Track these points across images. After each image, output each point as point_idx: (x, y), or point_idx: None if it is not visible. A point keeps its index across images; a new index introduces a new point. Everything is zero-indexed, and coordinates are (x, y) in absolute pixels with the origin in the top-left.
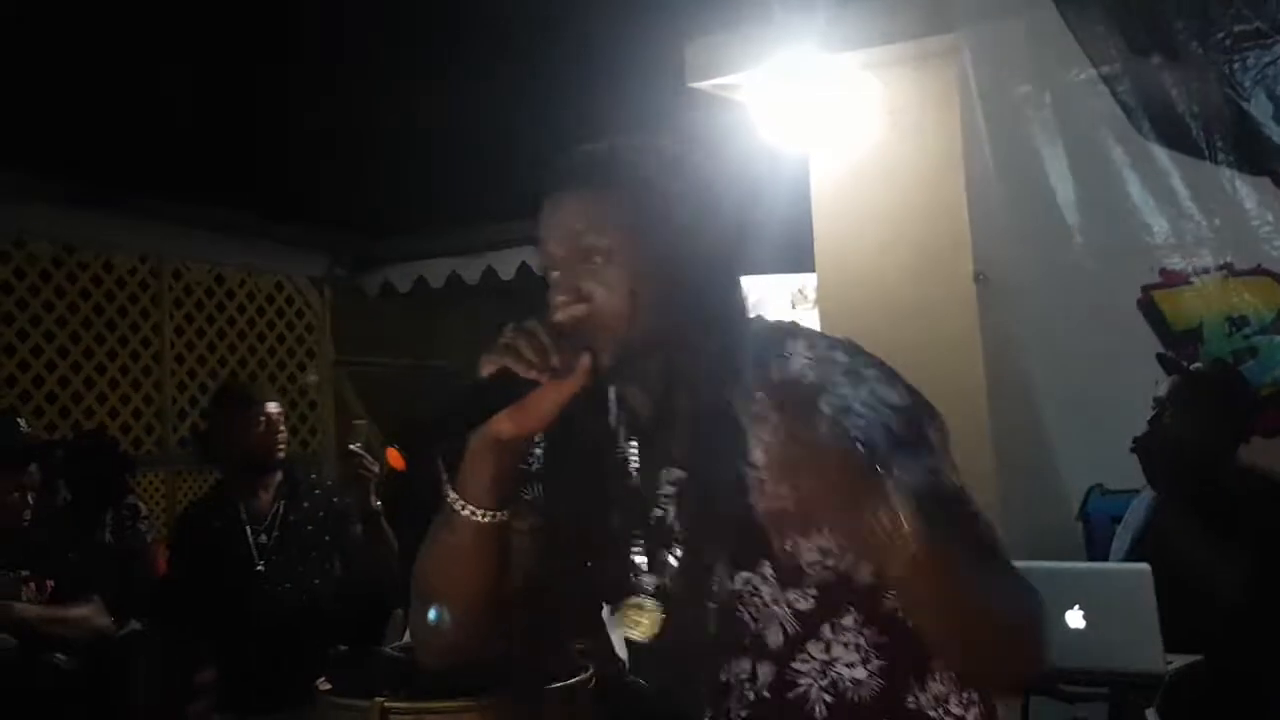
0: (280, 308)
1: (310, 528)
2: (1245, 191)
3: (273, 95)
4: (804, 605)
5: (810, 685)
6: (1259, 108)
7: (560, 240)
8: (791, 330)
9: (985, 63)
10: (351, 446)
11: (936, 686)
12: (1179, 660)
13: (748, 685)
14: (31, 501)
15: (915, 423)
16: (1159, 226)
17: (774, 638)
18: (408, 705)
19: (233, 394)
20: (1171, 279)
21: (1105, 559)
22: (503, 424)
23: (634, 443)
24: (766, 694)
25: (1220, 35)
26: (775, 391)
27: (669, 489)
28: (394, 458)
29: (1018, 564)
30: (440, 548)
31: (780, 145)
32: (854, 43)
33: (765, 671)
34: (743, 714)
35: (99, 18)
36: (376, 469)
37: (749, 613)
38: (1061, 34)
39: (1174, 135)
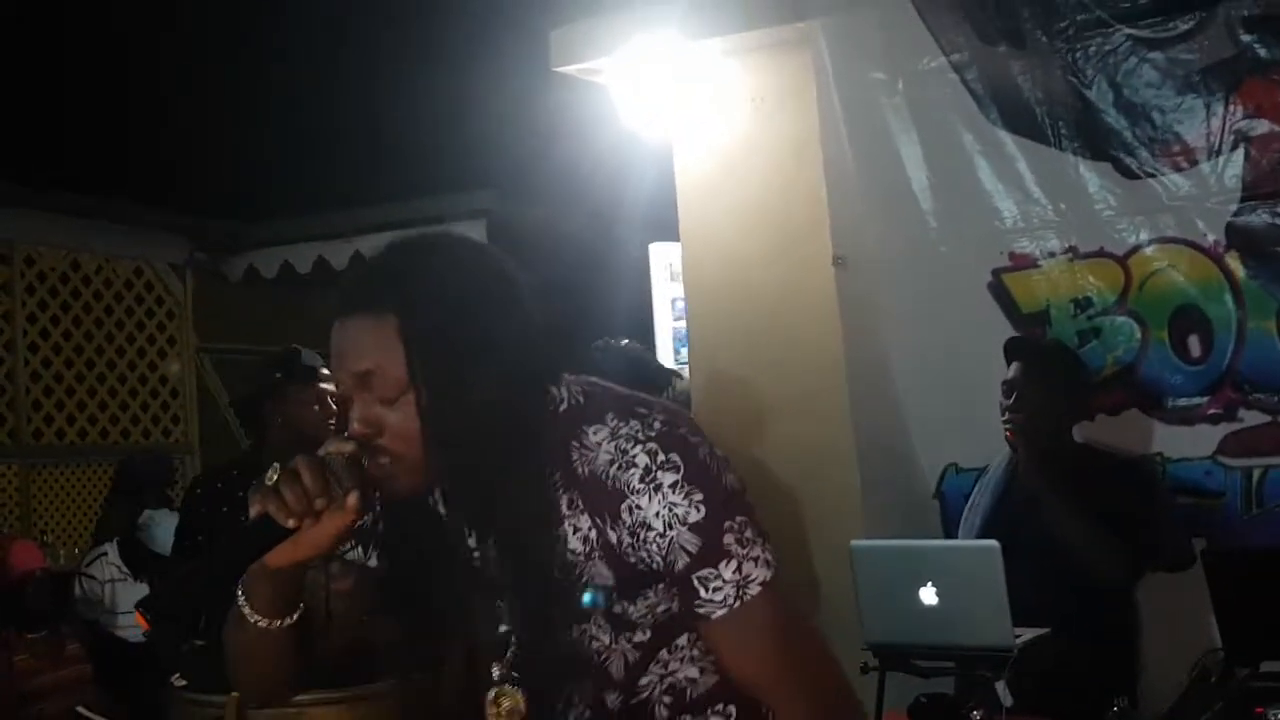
0: (139, 294)
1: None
2: (1088, 176)
3: (136, 79)
4: (641, 638)
5: (652, 691)
6: (1100, 95)
7: (341, 367)
8: (605, 416)
9: (841, 50)
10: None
11: None
12: (1028, 633)
13: (597, 707)
14: None
15: (711, 536)
16: (1008, 211)
17: (616, 668)
18: None
19: (293, 364)
20: (1020, 262)
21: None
22: (277, 557)
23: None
24: (616, 708)
25: (1064, 24)
26: (584, 486)
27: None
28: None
29: (877, 541)
30: (235, 647)
31: (645, 129)
32: (714, 29)
33: (612, 697)
34: None
35: None
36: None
37: (592, 649)
38: (913, 22)
39: (1021, 122)
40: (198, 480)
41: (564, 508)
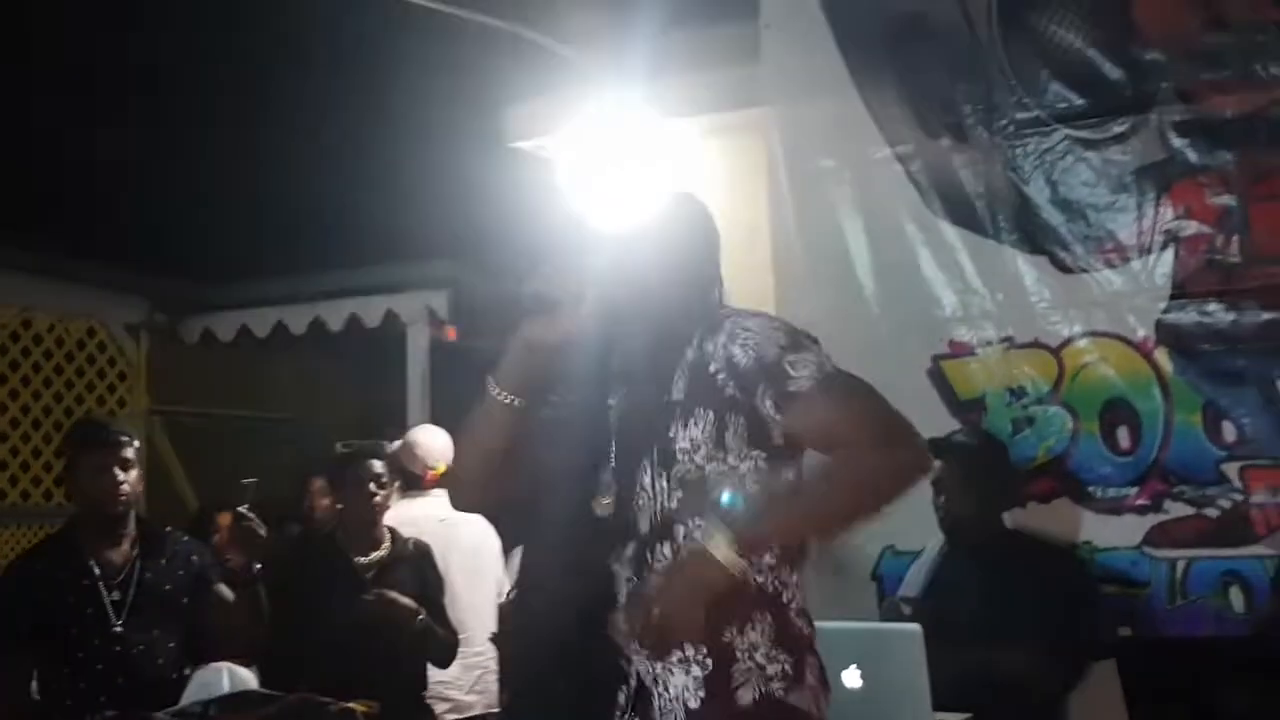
0: (91, 354)
1: (168, 587)
2: (1025, 269)
3: (99, 138)
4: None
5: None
6: (1037, 191)
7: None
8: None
9: (791, 138)
10: (240, 508)
11: (753, 635)
12: (950, 718)
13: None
14: None
15: (796, 335)
16: (947, 300)
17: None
18: None
19: (86, 431)
20: (958, 350)
21: None
22: (532, 333)
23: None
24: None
25: (1004, 122)
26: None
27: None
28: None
29: (817, 623)
30: (477, 418)
31: (594, 207)
32: (669, 112)
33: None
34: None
35: None
36: (264, 531)
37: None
38: (861, 114)
39: (962, 214)
40: (23, 557)
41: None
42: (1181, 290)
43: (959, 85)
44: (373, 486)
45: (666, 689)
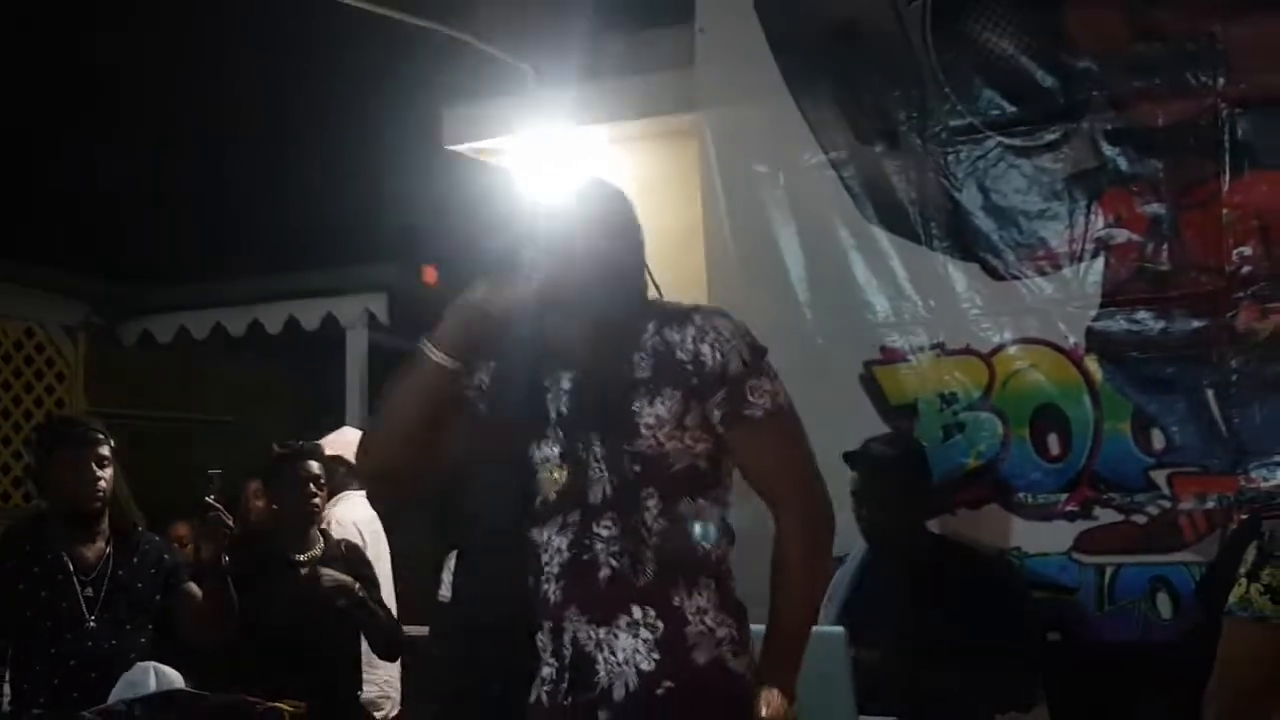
0: (29, 355)
1: (140, 585)
2: (956, 276)
3: (37, 139)
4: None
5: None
6: (970, 198)
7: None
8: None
9: (725, 142)
10: (207, 498)
11: (700, 599)
12: None
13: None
14: None
15: (759, 356)
16: (880, 305)
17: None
18: None
19: (60, 429)
20: (890, 356)
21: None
22: (482, 295)
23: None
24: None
25: (937, 129)
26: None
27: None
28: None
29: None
30: (406, 377)
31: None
32: (602, 116)
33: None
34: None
35: None
36: (231, 522)
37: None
38: (795, 119)
39: (894, 220)
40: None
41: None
42: (1112, 298)
43: (892, 91)
44: (311, 487)
45: (613, 653)
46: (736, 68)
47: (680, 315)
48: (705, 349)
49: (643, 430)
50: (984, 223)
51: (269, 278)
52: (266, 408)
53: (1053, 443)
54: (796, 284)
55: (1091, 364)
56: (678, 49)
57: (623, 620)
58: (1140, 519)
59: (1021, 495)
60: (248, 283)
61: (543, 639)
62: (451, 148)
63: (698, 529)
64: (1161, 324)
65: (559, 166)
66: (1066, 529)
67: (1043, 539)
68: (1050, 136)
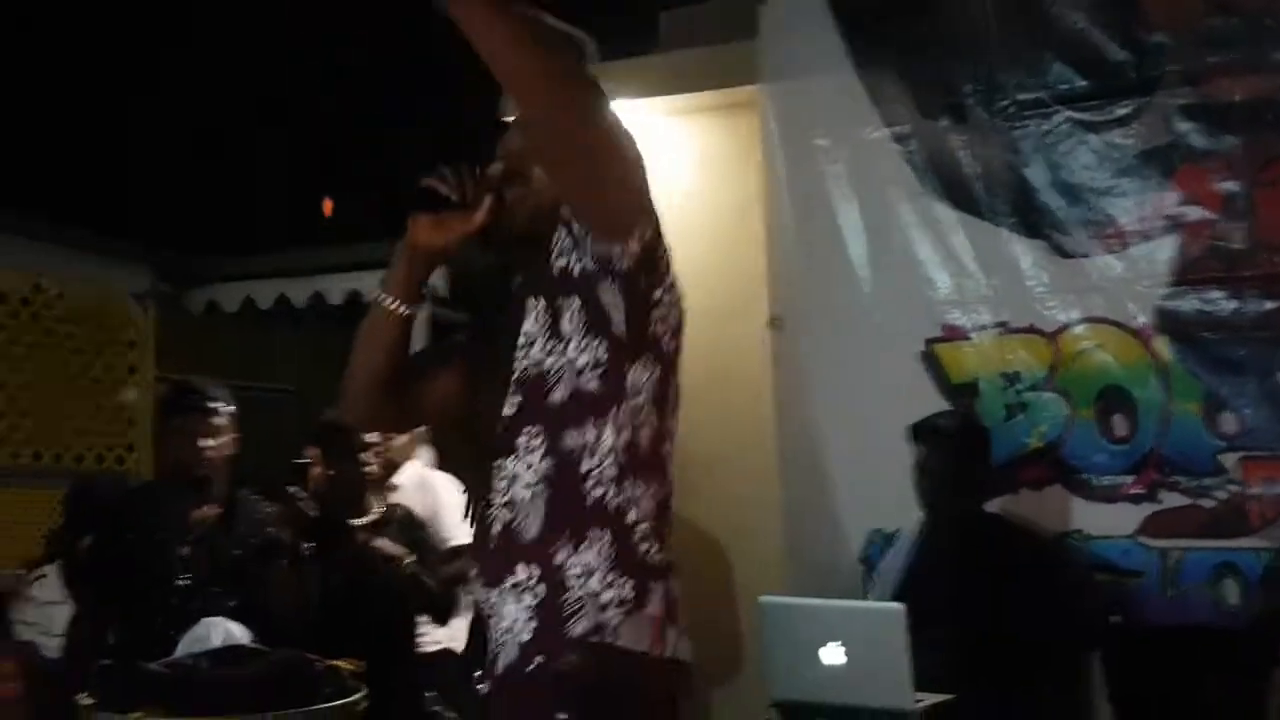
0: (101, 321)
1: (236, 551)
2: (1022, 253)
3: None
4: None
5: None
6: (1037, 174)
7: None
8: None
9: (787, 115)
10: (291, 489)
11: (589, 556)
12: (929, 699)
13: None
14: None
15: None
16: (942, 282)
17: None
18: None
19: (177, 395)
20: (952, 333)
21: None
22: (418, 234)
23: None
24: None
25: (1005, 103)
26: None
27: None
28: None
29: (787, 599)
30: (363, 329)
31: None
32: (661, 89)
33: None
34: None
35: None
36: (315, 513)
37: None
38: (858, 93)
39: (958, 196)
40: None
41: None
42: (1182, 277)
43: (959, 65)
44: (363, 454)
45: (501, 619)
46: (799, 40)
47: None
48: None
49: (517, 352)
50: (1051, 199)
51: (332, 249)
52: (329, 378)
53: (1118, 424)
54: (856, 259)
55: (1160, 344)
56: (740, 21)
57: (508, 582)
58: (1208, 503)
59: (1085, 477)
60: (312, 254)
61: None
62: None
63: (586, 467)
64: (1234, 304)
65: None
66: (1132, 512)
67: (1106, 521)
68: (1121, 111)
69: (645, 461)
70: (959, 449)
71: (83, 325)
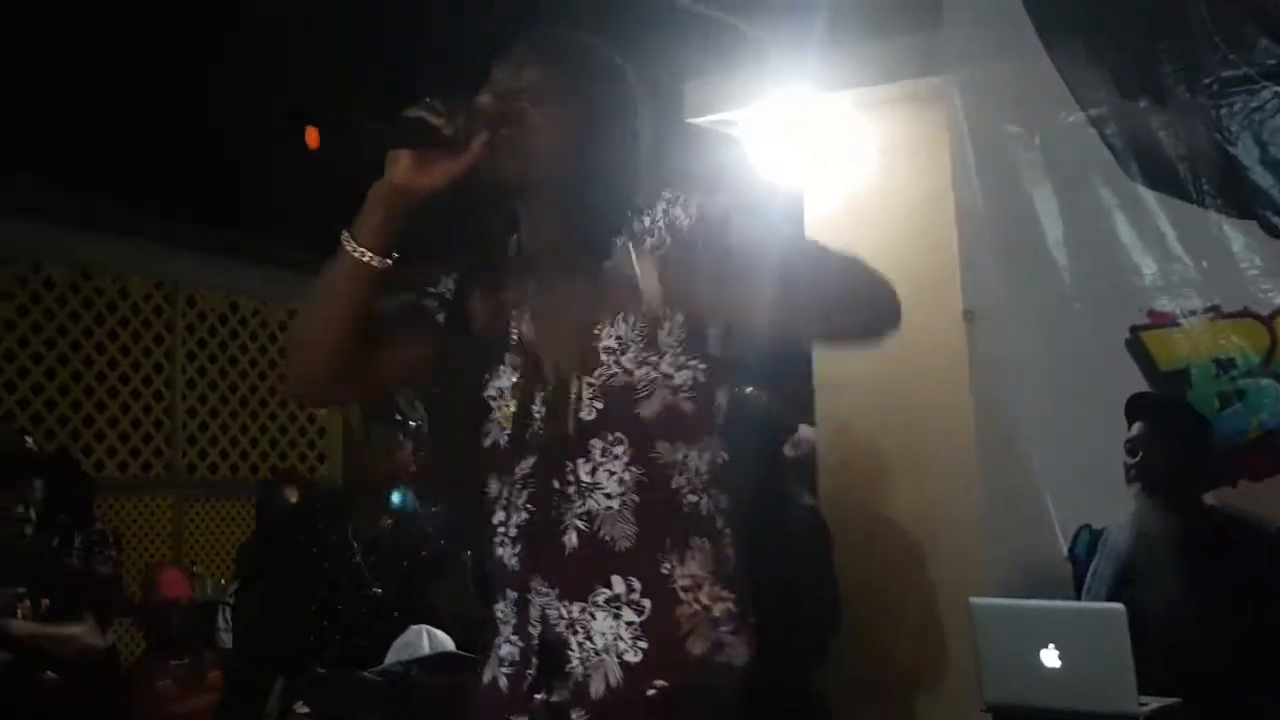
0: (234, 329)
1: (406, 563)
2: (1232, 234)
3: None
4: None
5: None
6: (1245, 152)
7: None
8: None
9: (975, 104)
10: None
11: (693, 565)
12: (1155, 702)
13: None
14: (34, 518)
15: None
16: (1147, 268)
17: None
18: None
19: (373, 409)
20: (1159, 320)
21: None
22: (399, 174)
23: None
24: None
25: (1208, 80)
26: None
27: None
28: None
29: (999, 600)
30: (325, 281)
31: (776, 180)
32: (846, 83)
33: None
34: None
35: (119, 36)
36: None
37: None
38: (1050, 76)
39: (1162, 178)
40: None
41: None
42: None
43: (1158, 43)
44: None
45: (589, 638)
46: (986, 25)
47: (651, 198)
48: (679, 211)
49: (602, 355)
50: (1262, 178)
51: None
52: None
53: None
54: (1054, 248)
55: None
56: (923, 10)
57: (601, 595)
58: None
59: None
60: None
61: (503, 610)
62: (693, 120)
63: (677, 479)
64: None
65: (803, 136)
66: None
67: None
68: None
69: (721, 472)
70: (1179, 426)
71: (276, 341)
